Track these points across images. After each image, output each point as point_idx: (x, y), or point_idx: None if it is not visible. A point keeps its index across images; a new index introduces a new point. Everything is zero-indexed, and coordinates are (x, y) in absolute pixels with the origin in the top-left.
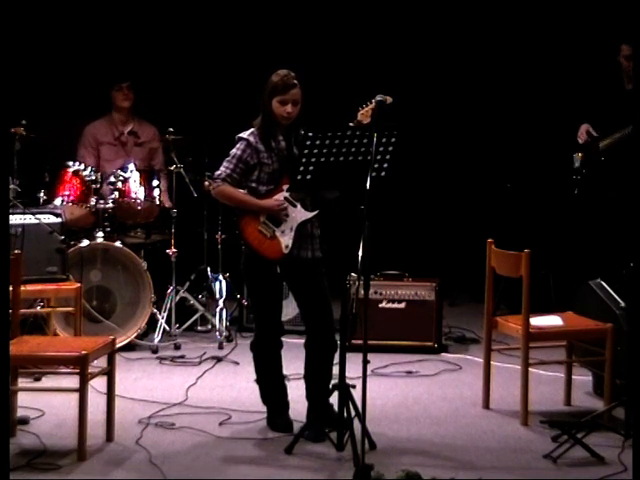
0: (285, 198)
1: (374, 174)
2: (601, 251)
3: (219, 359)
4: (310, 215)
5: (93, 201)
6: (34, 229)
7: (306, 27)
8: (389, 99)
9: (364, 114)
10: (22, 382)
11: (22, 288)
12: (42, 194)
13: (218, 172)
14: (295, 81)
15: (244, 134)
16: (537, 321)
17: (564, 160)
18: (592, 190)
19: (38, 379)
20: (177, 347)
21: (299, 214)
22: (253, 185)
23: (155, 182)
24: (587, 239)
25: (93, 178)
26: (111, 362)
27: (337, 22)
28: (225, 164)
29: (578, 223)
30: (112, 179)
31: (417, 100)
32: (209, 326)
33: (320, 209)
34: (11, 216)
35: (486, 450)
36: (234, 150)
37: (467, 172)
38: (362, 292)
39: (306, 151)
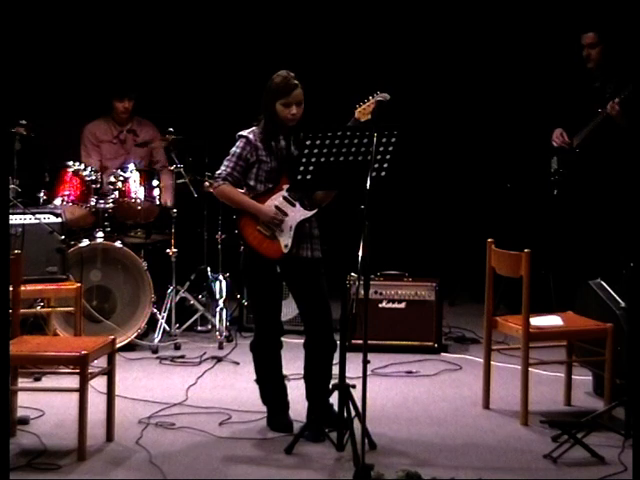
0: (284, 197)
1: (374, 174)
2: (601, 251)
3: (219, 359)
4: (309, 214)
5: (93, 201)
6: (34, 229)
7: (306, 27)
8: (387, 96)
9: (362, 112)
10: (22, 382)
11: (22, 288)
12: (42, 194)
13: (219, 171)
14: (296, 82)
15: (244, 132)
16: (537, 321)
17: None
18: (572, 189)
19: (38, 379)
20: (177, 347)
21: (298, 213)
22: (251, 183)
23: (155, 182)
24: (587, 239)
25: (93, 178)
26: (111, 362)
27: (337, 22)
28: (225, 163)
29: (565, 222)
30: (112, 179)
31: (417, 100)
32: (209, 326)
33: (318, 208)
34: (11, 216)
35: (486, 450)
36: (234, 148)
37: (467, 172)
38: (362, 292)
39: (306, 151)
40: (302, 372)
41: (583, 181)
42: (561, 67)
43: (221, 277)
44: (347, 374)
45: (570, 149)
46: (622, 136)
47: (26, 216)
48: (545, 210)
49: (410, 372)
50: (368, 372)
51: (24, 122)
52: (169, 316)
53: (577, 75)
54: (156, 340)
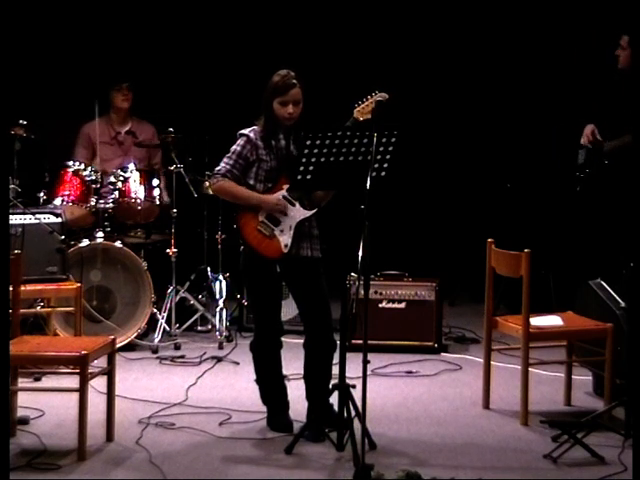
0: (283, 197)
1: (374, 174)
2: (601, 251)
3: (219, 359)
4: (309, 214)
5: (93, 201)
6: (34, 229)
7: (306, 26)
8: (386, 96)
9: (360, 111)
10: (22, 382)
11: (22, 288)
12: (42, 194)
13: (218, 168)
14: (295, 81)
15: (245, 130)
16: (537, 321)
17: (566, 158)
18: (594, 190)
19: (38, 379)
20: (177, 347)
21: (298, 213)
22: (251, 182)
23: (155, 182)
24: (587, 239)
25: (93, 178)
26: (111, 362)
27: (337, 21)
28: (225, 160)
29: (579, 221)
30: (112, 179)
31: (417, 100)
32: (209, 326)
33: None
34: (11, 216)
35: (486, 450)
36: (234, 146)
37: (467, 172)
38: (362, 292)
39: (306, 151)
40: (302, 372)
41: (606, 183)
42: (563, 64)
43: (221, 277)
44: (347, 374)
45: (599, 151)
46: None
47: (26, 216)
48: (565, 205)
49: (410, 372)
50: (368, 372)
51: (24, 122)
52: (169, 316)
53: (615, 71)
54: (156, 340)
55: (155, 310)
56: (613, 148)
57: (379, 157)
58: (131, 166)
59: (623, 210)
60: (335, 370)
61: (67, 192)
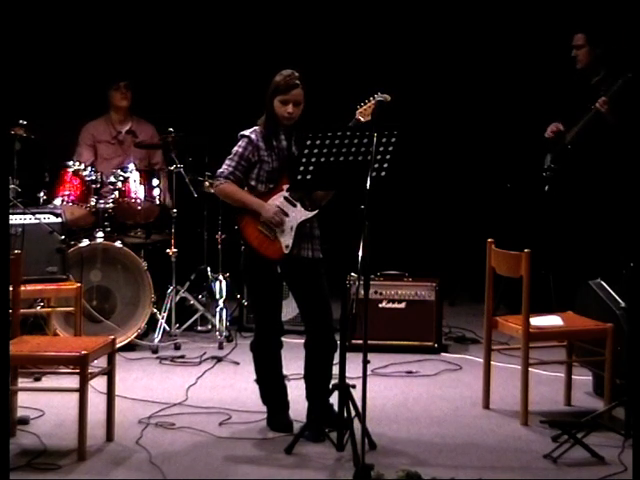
0: (285, 198)
1: (374, 174)
2: (601, 251)
3: (219, 359)
4: (310, 215)
5: (93, 201)
6: (34, 229)
7: (306, 26)
8: (388, 97)
9: (362, 112)
10: (22, 382)
11: (22, 288)
12: (42, 194)
13: (221, 170)
14: (297, 81)
15: (246, 132)
16: (537, 321)
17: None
18: (563, 185)
19: (38, 379)
20: (177, 347)
21: (299, 214)
22: (252, 183)
23: (155, 182)
24: (586, 239)
25: (93, 178)
26: (111, 362)
27: (337, 21)
28: (227, 162)
29: (556, 219)
30: (112, 179)
31: (417, 100)
32: (209, 326)
33: (319, 209)
34: (11, 216)
35: (486, 450)
36: (236, 148)
37: (467, 172)
38: (362, 292)
39: (306, 151)
40: (302, 372)
41: (574, 177)
42: (558, 63)
43: (221, 277)
44: (347, 374)
45: (562, 145)
46: (611, 134)
47: (26, 216)
48: (536, 207)
49: (410, 372)
50: (368, 372)
51: (24, 122)
52: (169, 316)
53: (574, 71)
54: (156, 340)
55: (155, 310)
56: (574, 136)
57: (379, 157)
58: (131, 166)
59: (610, 204)
60: (335, 370)
61: (67, 192)
